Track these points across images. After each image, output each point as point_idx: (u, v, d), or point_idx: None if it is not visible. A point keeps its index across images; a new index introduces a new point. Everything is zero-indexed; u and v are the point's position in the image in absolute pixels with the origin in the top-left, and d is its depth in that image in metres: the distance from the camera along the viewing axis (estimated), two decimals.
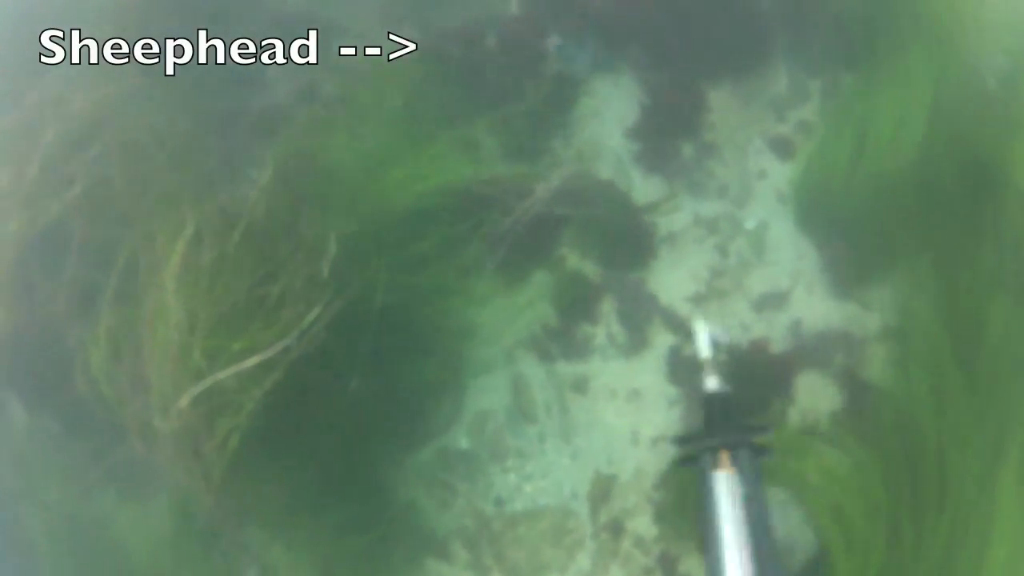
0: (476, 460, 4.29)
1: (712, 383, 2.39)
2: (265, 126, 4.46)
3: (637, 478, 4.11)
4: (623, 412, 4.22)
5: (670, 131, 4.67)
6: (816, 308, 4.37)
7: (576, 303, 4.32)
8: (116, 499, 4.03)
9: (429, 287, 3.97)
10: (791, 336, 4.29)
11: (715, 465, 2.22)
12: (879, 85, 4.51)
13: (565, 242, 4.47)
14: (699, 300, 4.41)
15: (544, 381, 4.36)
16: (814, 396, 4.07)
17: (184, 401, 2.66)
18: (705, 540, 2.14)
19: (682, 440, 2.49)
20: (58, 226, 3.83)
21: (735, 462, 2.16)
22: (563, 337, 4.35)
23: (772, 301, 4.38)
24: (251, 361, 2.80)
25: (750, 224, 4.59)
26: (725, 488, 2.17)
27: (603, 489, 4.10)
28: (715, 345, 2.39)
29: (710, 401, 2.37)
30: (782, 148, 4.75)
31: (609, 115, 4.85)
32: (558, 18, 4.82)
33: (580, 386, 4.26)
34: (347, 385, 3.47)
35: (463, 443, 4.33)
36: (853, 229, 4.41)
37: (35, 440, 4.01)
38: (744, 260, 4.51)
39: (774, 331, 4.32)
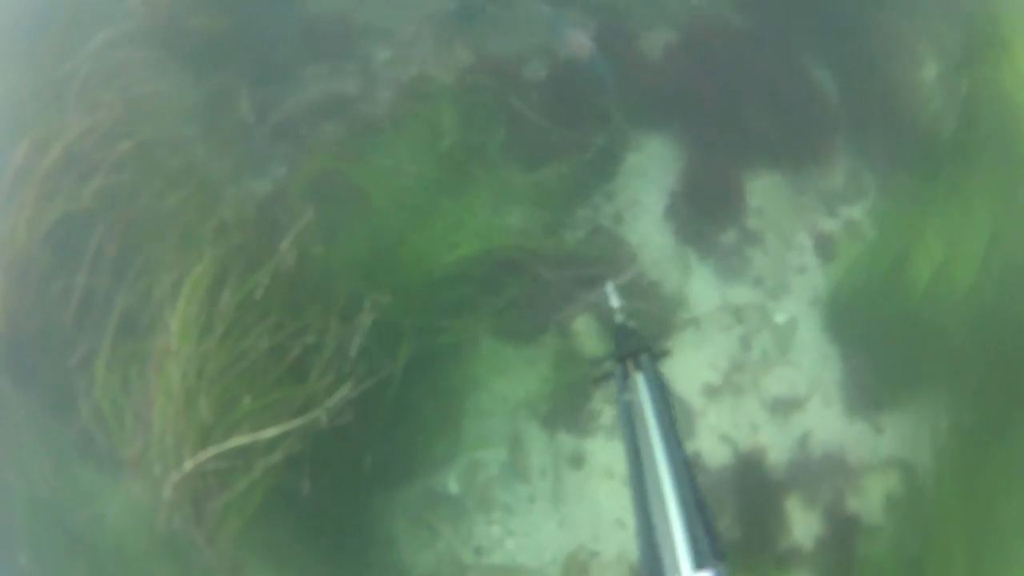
0: (463, 506, 4.30)
1: (619, 319, 2.99)
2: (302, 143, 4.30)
3: (618, 561, 4.12)
4: (616, 495, 4.21)
5: (715, 209, 4.54)
6: (829, 422, 4.33)
7: (587, 378, 4.25)
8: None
9: (446, 345, 3.89)
10: (798, 449, 4.24)
11: (626, 375, 2.64)
12: (938, 202, 4.35)
13: (586, 311, 4.37)
14: (713, 393, 4.34)
15: (543, 446, 4.35)
16: (805, 519, 4.04)
17: (185, 468, 2.60)
18: (626, 450, 2.42)
19: (596, 360, 2.96)
20: (74, 221, 3.70)
21: (639, 367, 2.61)
22: (569, 408, 4.30)
23: (786, 406, 4.33)
24: (268, 432, 2.72)
25: (780, 318, 4.51)
26: (635, 394, 2.53)
27: (583, 563, 4.11)
28: (620, 297, 3.09)
29: (618, 331, 2.93)
30: (826, 247, 4.64)
31: (654, 180, 4.69)
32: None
33: (578, 460, 4.24)
34: (362, 462, 3.40)
35: (452, 487, 4.33)
36: (881, 348, 4.32)
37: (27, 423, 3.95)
38: (767, 356, 4.45)
39: (782, 439, 4.27)
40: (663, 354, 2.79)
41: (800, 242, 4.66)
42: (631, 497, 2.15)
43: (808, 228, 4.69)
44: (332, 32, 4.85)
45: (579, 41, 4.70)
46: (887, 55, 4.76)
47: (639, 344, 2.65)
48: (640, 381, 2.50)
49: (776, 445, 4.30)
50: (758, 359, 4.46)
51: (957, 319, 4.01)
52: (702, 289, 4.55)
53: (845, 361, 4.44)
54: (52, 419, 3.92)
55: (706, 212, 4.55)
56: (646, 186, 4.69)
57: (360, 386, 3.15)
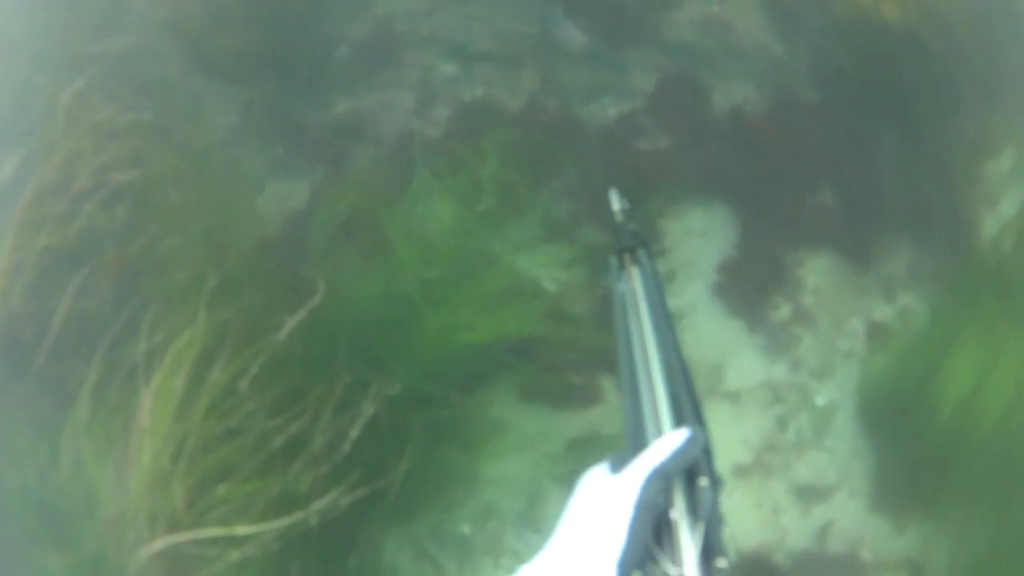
0: (471, 547, 4.26)
1: (619, 219, 3.11)
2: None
3: None
4: None
5: (770, 284, 4.40)
6: (852, 515, 4.27)
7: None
8: None
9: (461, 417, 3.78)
10: (816, 538, 4.21)
11: (622, 266, 2.70)
12: (976, 323, 4.10)
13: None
14: (742, 472, 4.28)
15: (563, 501, 4.26)
16: None
17: (155, 546, 2.48)
18: (617, 335, 2.37)
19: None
20: (58, 255, 3.45)
21: (636, 261, 2.66)
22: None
23: (814, 494, 4.27)
24: (241, 530, 2.58)
25: (820, 401, 4.43)
26: (631, 284, 2.56)
27: None
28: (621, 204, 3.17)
29: (618, 227, 3.06)
30: (878, 334, 4.53)
31: (711, 244, 4.54)
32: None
33: None
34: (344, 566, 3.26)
35: (463, 528, 4.27)
36: (912, 448, 4.25)
37: None
38: (802, 439, 4.38)
39: (803, 526, 4.23)
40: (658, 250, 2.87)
41: (852, 326, 4.55)
42: (619, 377, 2.05)
43: (863, 312, 4.56)
44: (393, 39, 4.59)
45: (572, 36, 4.43)
46: (961, 145, 4.56)
47: (636, 240, 2.72)
48: (636, 273, 2.53)
49: (796, 531, 4.26)
50: (793, 441, 4.39)
51: (985, 442, 3.95)
52: (747, 363, 4.45)
53: (877, 455, 4.37)
54: None
55: (761, 285, 4.41)
56: (701, 249, 4.53)
57: (354, 491, 2.95)
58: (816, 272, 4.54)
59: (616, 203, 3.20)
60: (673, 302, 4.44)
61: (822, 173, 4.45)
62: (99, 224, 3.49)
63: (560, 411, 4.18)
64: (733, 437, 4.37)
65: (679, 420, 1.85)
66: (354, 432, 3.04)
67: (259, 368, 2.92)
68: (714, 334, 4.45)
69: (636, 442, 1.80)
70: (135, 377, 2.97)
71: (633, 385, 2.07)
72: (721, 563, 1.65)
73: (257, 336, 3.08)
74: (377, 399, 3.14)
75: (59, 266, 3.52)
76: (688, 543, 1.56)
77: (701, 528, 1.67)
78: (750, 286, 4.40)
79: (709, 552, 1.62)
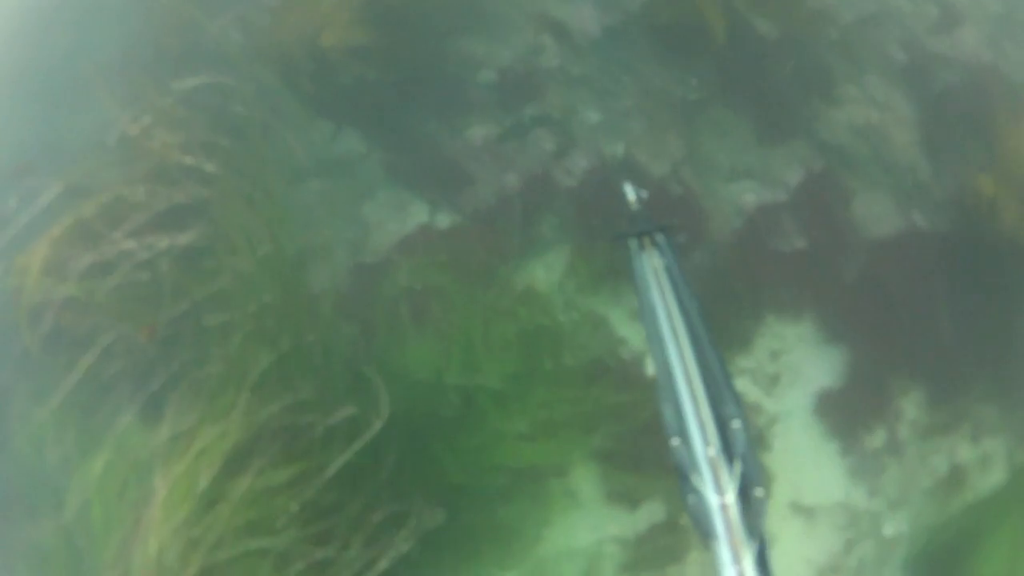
0: None
1: (637, 208, 3.51)
2: None
3: None
4: None
5: (868, 407, 4.32)
6: None
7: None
8: None
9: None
10: None
11: (642, 247, 3.09)
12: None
13: None
14: None
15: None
16: None
17: None
18: (641, 309, 2.89)
19: (617, 234, 3.43)
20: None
21: (654, 243, 3.08)
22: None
23: None
24: None
25: (889, 531, 4.37)
26: (650, 262, 3.00)
27: None
28: (638, 196, 3.58)
29: (636, 214, 3.47)
30: (957, 476, 4.47)
31: (819, 357, 4.43)
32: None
33: None
34: None
35: None
36: None
37: None
38: (863, 564, 4.32)
39: None
40: (675, 233, 3.30)
41: (936, 463, 4.48)
42: (648, 345, 2.70)
43: (949, 452, 4.50)
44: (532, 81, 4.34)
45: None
46: None
47: (655, 225, 3.18)
48: (655, 254, 3.00)
49: None
50: (855, 565, 4.34)
51: None
52: (829, 482, 4.36)
53: None
54: None
55: (861, 408, 4.33)
56: (810, 359, 4.42)
57: None
58: (916, 404, 4.47)
59: (631, 194, 3.51)
60: (771, 404, 4.35)
61: (940, 309, 4.36)
62: (138, 281, 3.08)
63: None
64: (799, 553, 4.30)
65: (707, 378, 2.51)
66: (383, 565, 2.73)
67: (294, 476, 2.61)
68: (804, 445, 4.36)
69: (667, 394, 2.49)
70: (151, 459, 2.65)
71: (662, 349, 2.65)
72: (759, 492, 2.30)
73: (301, 441, 2.76)
74: (415, 534, 2.84)
75: (83, 323, 3.15)
76: (726, 476, 2.20)
77: (739, 464, 2.28)
78: (851, 407, 4.32)
79: (747, 483, 2.26)
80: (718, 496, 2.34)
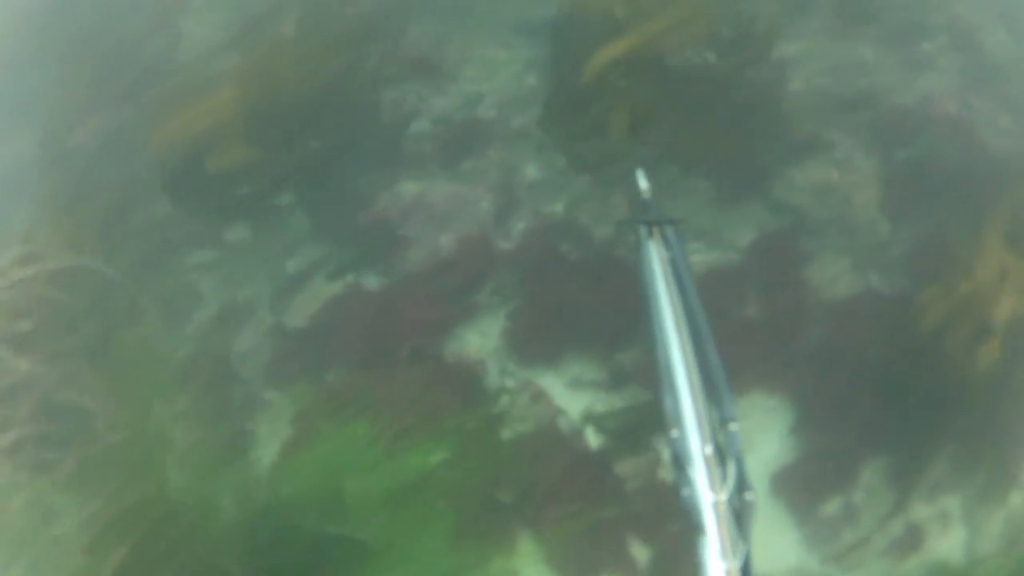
0: None
1: (646, 195, 3.44)
2: None
3: None
4: None
5: (828, 479, 4.16)
6: None
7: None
8: None
9: None
10: None
11: (649, 236, 3.08)
12: None
13: None
14: None
15: None
16: None
17: None
18: (644, 300, 2.92)
19: (623, 221, 3.70)
20: None
21: (662, 233, 3.07)
22: None
23: None
24: None
25: None
26: (655, 253, 3.01)
27: None
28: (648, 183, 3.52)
29: (646, 203, 3.41)
30: (913, 537, 4.35)
31: (771, 424, 4.28)
32: None
33: None
34: None
35: None
36: None
37: None
38: None
39: None
40: (681, 225, 3.29)
41: (892, 528, 4.35)
42: (650, 333, 2.74)
43: (904, 516, 4.37)
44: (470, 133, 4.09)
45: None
46: None
47: (665, 217, 3.15)
48: (662, 244, 3.00)
49: None
50: None
51: None
52: (782, 550, 4.22)
53: None
54: None
55: (817, 477, 4.17)
56: (763, 426, 4.25)
57: None
58: (872, 470, 4.32)
59: (643, 182, 3.48)
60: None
61: (896, 371, 4.19)
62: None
63: None
64: None
65: (707, 377, 2.55)
66: None
67: None
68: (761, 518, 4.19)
69: (668, 385, 2.56)
70: None
71: (663, 339, 2.72)
72: (750, 495, 2.39)
73: None
74: None
75: None
76: (721, 475, 2.30)
77: (733, 465, 2.35)
78: (805, 478, 4.17)
79: (740, 485, 2.34)
80: (712, 493, 2.41)
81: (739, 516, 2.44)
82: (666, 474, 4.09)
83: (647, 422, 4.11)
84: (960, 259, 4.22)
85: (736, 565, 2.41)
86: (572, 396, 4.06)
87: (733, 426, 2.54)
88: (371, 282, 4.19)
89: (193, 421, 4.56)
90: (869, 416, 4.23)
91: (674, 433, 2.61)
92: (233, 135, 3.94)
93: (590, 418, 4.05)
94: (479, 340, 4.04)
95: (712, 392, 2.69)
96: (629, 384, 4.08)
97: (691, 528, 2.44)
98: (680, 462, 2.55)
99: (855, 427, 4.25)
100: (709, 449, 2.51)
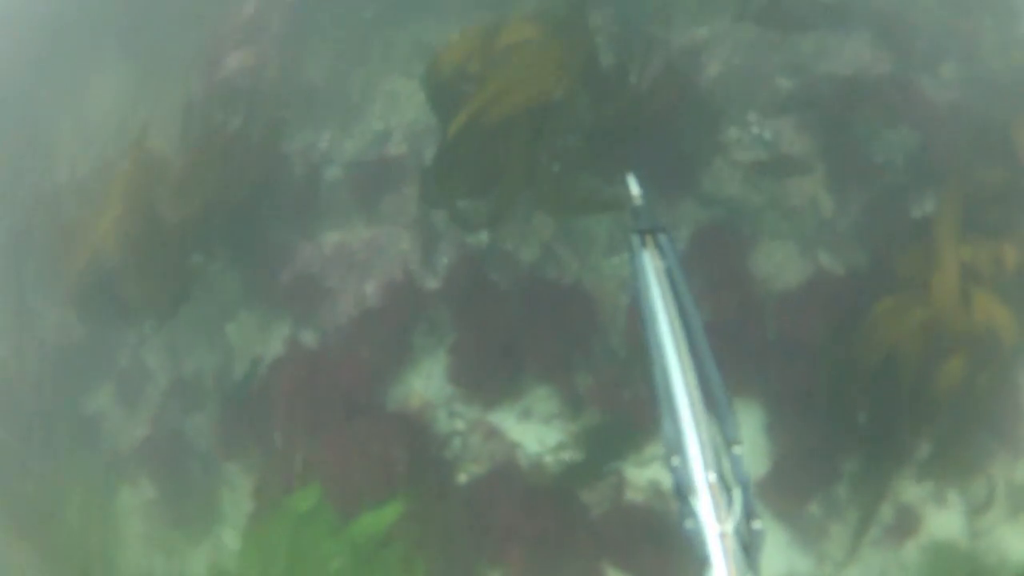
0: None
1: (638, 202, 3.34)
2: None
3: None
4: None
5: (805, 477, 3.98)
6: None
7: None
8: None
9: None
10: None
11: (643, 245, 2.99)
12: None
13: None
14: None
15: None
16: None
17: None
18: (641, 312, 2.79)
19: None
20: None
21: (656, 243, 2.97)
22: None
23: None
24: None
25: None
26: (651, 262, 2.92)
27: None
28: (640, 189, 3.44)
29: (639, 210, 3.34)
30: (908, 517, 4.17)
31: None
32: None
33: None
34: None
35: None
36: None
37: None
38: None
39: None
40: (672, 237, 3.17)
41: (880, 513, 4.16)
42: (646, 345, 2.55)
43: (892, 497, 4.17)
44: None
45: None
46: None
47: (657, 224, 3.03)
48: (656, 254, 2.88)
49: None
50: None
51: None
52: (771, 556, 4.03)
53: None
54: None
55: (794, 479, 3.97)
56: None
57: None
58: (851, 460, 4.12)
59: (635, 187, 3.38)
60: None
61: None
62: None
63: None
64: None
65: (708, 396, 2.46)
66: None
67: None
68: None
69: (667, 407, 2.43)
70: None
71: (660, 357, 2.59)
72: (757, 524, 2.22)
73: None
74: None
75: None
76: (726, 504, 2.18)
77: (739, 492, 2.22)
78: (781, 479, 3.98)
79: (747, 513, 2.21)
80: (718, 524, 2.29)
81: (747, 547, 2.28)
82: (633, 495, 3.94)
83: (606, 445, 3.95)
84: (914, 226, 4.03)
85: None
86: (525, 428, 3.92)
87: (737, 449, 2.42)
88: (308, 338, 4.07)
89: (157, 504, 4.50)
90: (837, 407, 4.04)
91: (675, 461, 2.45)
92: (141, 225, 3.88)
93: (547, 448, 3.91)
94: (422, 384, 3.90)
95: (713, 413, 2.57)
96: (583, 408, 3.92)
97: (697, 561, 2.25)
98: (682, 491, 2.38)
99: (828, 416, 4.06)
100: (713, 476, 2.37)
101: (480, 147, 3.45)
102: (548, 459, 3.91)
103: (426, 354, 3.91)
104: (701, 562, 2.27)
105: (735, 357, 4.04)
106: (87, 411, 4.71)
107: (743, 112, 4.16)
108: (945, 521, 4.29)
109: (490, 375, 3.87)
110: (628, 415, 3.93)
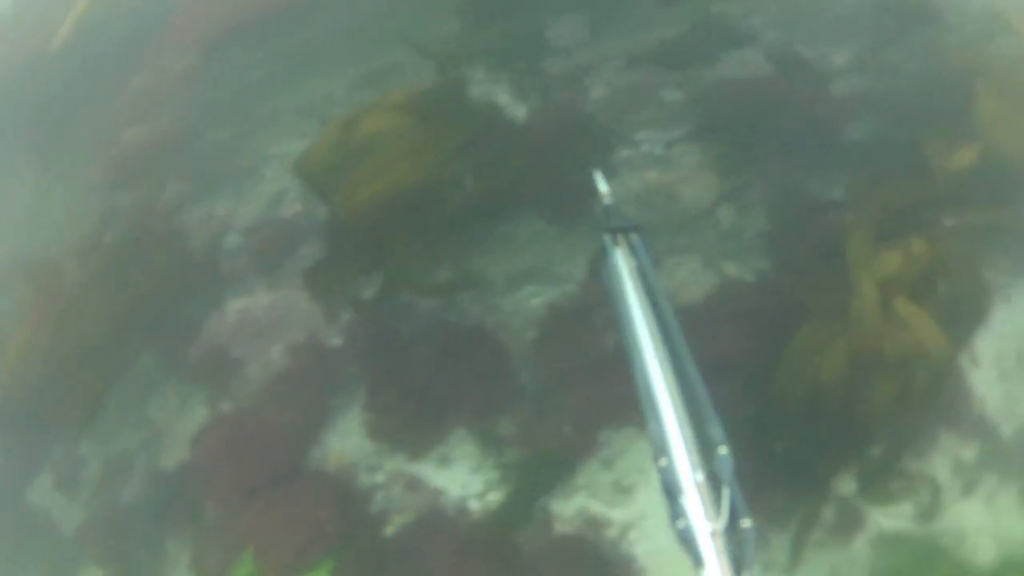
0: None
1: (608, 201, 3.35)
2: None
3: None
4: None
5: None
6: None
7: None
8: None
9: None
10: None
11: (614, 243, 2.99)
12: None
13: None
14: None
15: None
16: None
17: None
18: (615, 312, 2.78)
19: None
20: None
21: (627, 241, 2.97)
22: None
23: None
24: None
25: None
26: (623, 261, 2.90)
27: None
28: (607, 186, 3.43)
29: (608, 209, 3.33)
30: (849, 520, 4.12)
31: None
32: None
33: None
34: None
35: None
36: None
37: None
38: None
39: None
40: (643, 233, 3.17)
41: (823, 512, 4.12)
42: (624, 343, 2.61)
43: (834, 495, 4.14)
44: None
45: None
46: None
47: (629, 223, 3.06)
48: (628, 252, 2.91)
49: None
50: None
51: None
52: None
53: None
54: None
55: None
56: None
57: None
58: (789, 465, 4.08)
59: (603, 185, 3.40)
60: (619, 514, 3.97)
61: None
62: None
63: None
64: None
65: (688, 397, 2.47)
66: None
67: None
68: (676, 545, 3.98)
69: (650, 409, 2.46)
70: None
71: (639, 359, 2.60)
72: (746, 523, 2.23)
73: None
74: None
75: None
76: (715, 503, 2.18)
77: (727, 492, 2.23)
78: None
79: (735, 512, 2.22)
80: (708, 523, 2.34)
81: (737, 544, 2.31)
82: (563, 527, 3.91)
83: (531, 482, 3.93)
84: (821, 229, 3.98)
85: None
86: (447, 474, 3.90)
87: (722, 449, 2.41)
88: (226, 408, 4.08)
89: None
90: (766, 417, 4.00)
91: (662, 462, 2.48)
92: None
93: (471, 493, 3.90)
94: (339, 443, 3.90)
95: (696, 414, 2.53)
96: (502, 447, 3.91)
97: (689, 561, 2.29)
98: (671, 492, 2.42)
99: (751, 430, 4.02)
100: (700, 476, 2.39)
101: (359, 234, 3.52)
102: (473, 503, 3.90)
103: (339, 412, 3.91)
104: (695, 561, 2.28)
105: None
106: (30, 502, 4.74)
107: (632, 131, 4.14)
108: (892, 511, 4.25)
109: (405, 425, 3.87)
110: (547, 450, 3.92)
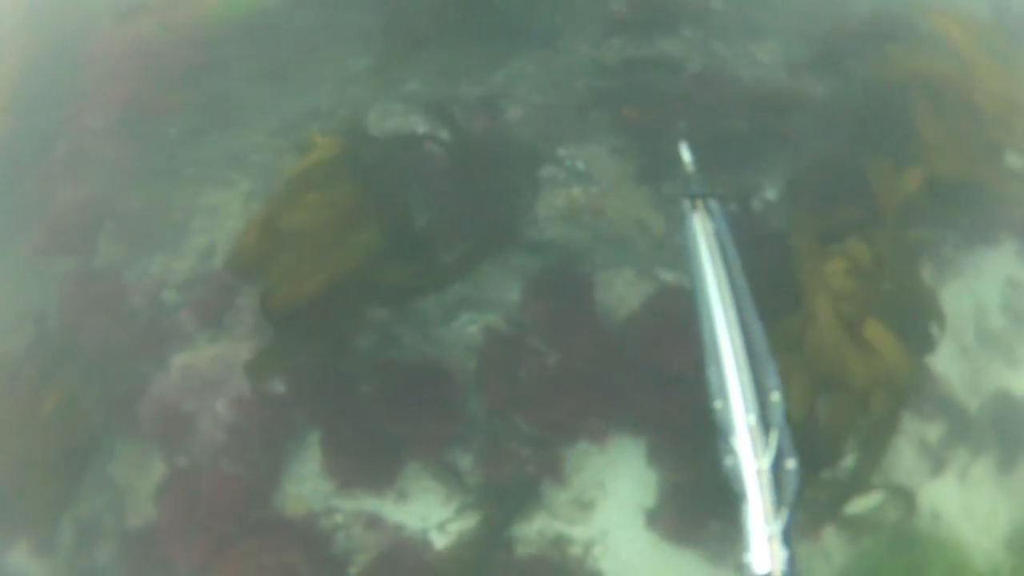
0: None
1: (690, 168, 3.57)
2: None
3: None
4: None
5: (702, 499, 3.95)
6: None
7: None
8: None
9: None
10: None
11: (693, 209, 3.21)
12: None
13: None
14: None
15: None
16: None
17: None
18: (689, 270, 3.02)
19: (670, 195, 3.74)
20: None
21: (706, 207, 3.19)
22: None
23: None
24: None
25: None
26: (700, 224, 3.12)
27: None
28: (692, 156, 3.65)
29: (691, 176, 3.54)
30: (817, 515, 4.12)
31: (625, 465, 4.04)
32: None
33: None
34: None
35: None
36: None
37: None
38: None
39: None
40: (726, 200, 3.48)
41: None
42: (695, 305, 2.86)
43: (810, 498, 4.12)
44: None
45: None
46: None
47: (709, 189, 3.31)
48: (706, 218, 3.15)
49: None
50: None
51: None
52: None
53: None
54: None
55: (695, 502, 3.91)
56: (610, 471, 4.01)
57: None
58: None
59: (687, 155, 3.66)
60: (581, 531, 3.97)
61: None
62: None
63: None
64: None
65: (750, 347, 2.67)
66: None
67: None
68: (640, 553, 4.00)
69: (712, 357, 2.67)
70: None
71: (707, 312, 2.81)
72: (791, 464, 2.46)
73: None
74: None
75: None
76: (763, 444, 2.39)
77: (775, 434, 2.44)
78: (675, 498, 3.91)
79: (781, 454, 2.45)
80: (755, 461, 2.53)
81: (781, 483, 2.51)
82: (525, 549, 3.92)
83: (491, 509, 3.93)
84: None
85: (777, 530, 2.47)
86: (405, 509, 3.93)
87: (775, 396, 2.65)
88: (183, 463, 4.10)
89: None
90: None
91: (718, 404, 2.71)
92: None
93: (430, 524, 3.91)
94: (296, 488, 3.92)
95: (756, 363, 2.79)
96: (458, 476, 3.91)
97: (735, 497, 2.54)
98: (723, 432, 2.64)
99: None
100: (752, 418, 2.63)
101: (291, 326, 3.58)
102: (434, 535, 3.92)
103: (293, 457, 3.93)
104: (739, 496, 2.54)
105: (605, 397, 4.01)
106: (10, 567, 4.80)
107: (553, 147, 4.10)
108: (859, 502, 4.22)
109: (359, 465, 3.89)
110: (503, 475, 3.92)
